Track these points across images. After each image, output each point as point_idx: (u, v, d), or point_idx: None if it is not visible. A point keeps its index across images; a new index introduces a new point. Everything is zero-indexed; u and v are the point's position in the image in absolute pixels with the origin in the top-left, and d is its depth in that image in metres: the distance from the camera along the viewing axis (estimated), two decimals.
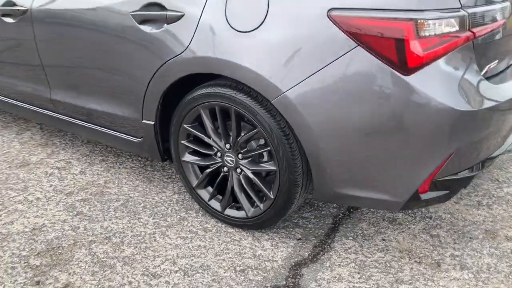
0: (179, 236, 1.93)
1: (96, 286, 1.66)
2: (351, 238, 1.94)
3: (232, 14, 1.63)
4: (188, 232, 1.96)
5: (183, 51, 1.75)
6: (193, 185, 2.02)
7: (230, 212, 1.95)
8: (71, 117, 2.38)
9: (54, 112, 2.45)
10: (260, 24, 1.57)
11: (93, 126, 2.29)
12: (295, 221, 2.05)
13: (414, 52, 1.39)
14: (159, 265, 1.77)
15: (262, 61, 1.59)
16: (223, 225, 2.00)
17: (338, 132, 1.55)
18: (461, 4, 1.42)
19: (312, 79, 1.51)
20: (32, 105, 2.55)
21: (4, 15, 2.33)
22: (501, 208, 2.15)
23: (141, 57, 1.89)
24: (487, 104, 1.51)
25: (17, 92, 2.59)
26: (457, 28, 1.42)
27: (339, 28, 1.45)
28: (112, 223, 2.02)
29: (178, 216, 2.07)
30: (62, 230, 1.97)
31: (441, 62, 1.43)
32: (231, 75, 1.67)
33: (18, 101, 2.63)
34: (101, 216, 2.07)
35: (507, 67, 1.87)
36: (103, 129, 2.26)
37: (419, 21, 1.38)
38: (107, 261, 1.79)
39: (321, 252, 1.85)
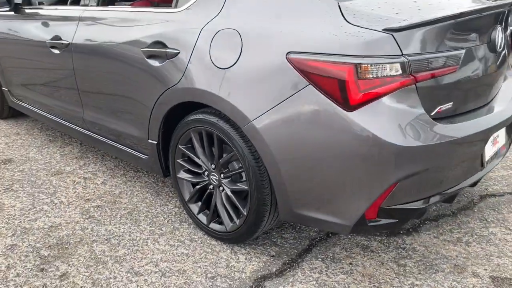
0: (168, 244, 2.19)
1: (87, 277, 1.95)
2: (321, 259, 2.09)
3: (214, 53, 1.92)
4: (177, 241, 2.22)
5: (177, 83, 2.05)
6: (186, 199, 2.29)
7: (213, 225, 2.19)
8: (98, 135, 2.76)
9: (86, 130, 2.85)
10: (235, 63, 1.84)
11: (113, 143, 2.65)
12: (274, 239, 2.24)
13: (354, 92, 1.59)
14: (143, 266, 2.03)
15: (236, 94, 1.84)
16: (208, 238, 2.24)
17: (294, 158, 1.75)
18: (401, 52, 1.60)
19: (273, 111, 1.74)
20: (70, 123, 2.98)
21: (52, 47, 2.80)
22: (479, 246, 2.19)
23: (147, 86, 2.22)
24: (428, 141, 1.65)
25: (61, 112, 3.03)
26: (397, 72, 1.60)
27: (295, 69, 1.68)
28: (115, 227, 2.33)
29: (172, 227, 2.34)
30: (73, 230, 2.31)
31: (381, 101, 1.60)
32: (213, 105, 1.94)
33: (62, 119, 3.07)
34: (108, 221, 2.38)
35: (479, 107, 1.99)
36: (120, 146, 2.60)
37: (359, 65, 1.57)
38: (101, 258, 2.08)
39: (288, 269, 2.02)
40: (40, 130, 3.71)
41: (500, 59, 2.04)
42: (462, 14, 1.75)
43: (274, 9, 1.83)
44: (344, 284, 1.93)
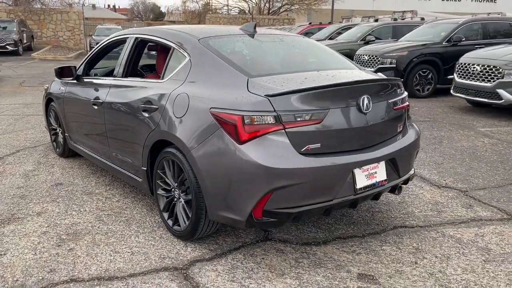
0: (144, 238, 3.16)
1: (85, 251, 2.96)
2: (242, 254, 2.94)
3: (175, 108, 2.97)
4: (150, 237, 3.18)
5: (155, 127, 3.12)
6: (161, 209, 3.27)
7: (175, 227, 3.13)
8: (117, 166, 3.87)
9: (110, 162, 3.98)
10: (185, 113, 2.88)
11: (124, 171, 3.73)
12: (218, 241, 3.12)
13: (242, 133, 2.54)
14: (122, 249, 3.00)
15: (184, 133, 2.85)
16: (172, 236, 3.18)
17: (213, 175, 2.69)
18: (274, 109, 2.55)
19: (202, 144, 2.73)
20: (102, 158, 4.14)
21: (94, 104, 4.03)
22: (366, 256, 2.92)
23: (141, 129, 3.30)
24: (291, 165, 2.53)
25: (98, 150, 4.21)
26: (270, 121, 2.54)
27: (213, 118, 2.67)
28: (114, 227, 3.34)
29: (151, 229, 3.31)
30: (86, 226, 3.35)
31: (260, 139, 2.54)
32: (172, 141, 2.96)
33: (98, 155, 4.24)
34: (110, 223, 3.41)
35: (352, 150, 2.81)
36: (128, 173, 3.68)
37: (244, 116, 2.54)
38: (97, 242, 3.09)
39: (217, 258, 2.90)
40: (87, 165, 4.93)
41: (370, 118, 2.87)
42: (326, 86, 2.68)
43: (208, 82, 2.89)
44: (249, 267, 2.76)
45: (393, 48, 9.99)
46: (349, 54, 11.47)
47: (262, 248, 3.02)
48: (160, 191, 3.27)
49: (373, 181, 2.90)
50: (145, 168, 3.36)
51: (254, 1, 33.31)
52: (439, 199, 3.94)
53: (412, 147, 3.20)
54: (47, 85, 5.44)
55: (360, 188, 2.82)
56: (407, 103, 3.36)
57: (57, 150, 5.29)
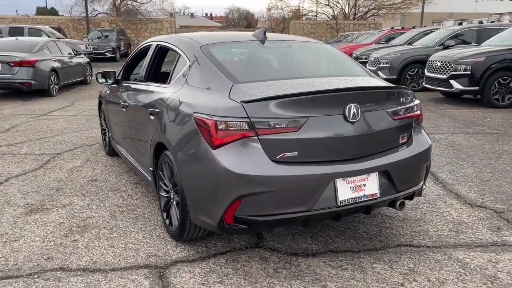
0: (143, 236, 3.30)
1: (86, 244, 3.18)
2: (225, 259, 2.94)
3: (169, 112, 3.08)
4: (148, 235, 3.31)
5: (157, 130, 3.26)
6: (161, 209, 3.39)
7: (170, 227, 3.23)
8: (138, 166, 4.09)
9: (134, 162, 4.21)
10: (175, 118, 2.97)
11: (142, 171, 3.93)
12: (209, 244, 3.16)
13: (215, 138, 2.56)
14: (118, 243, 3.17)
15: (173, 136, 2.95)
16: (168, 236, 3.28)
17: (192, 177, 2.75)
18: (247, 115, 2.53)
19: (186, 147, 2.80)
20: (129, 157, 4.39)
21: (123, 107, 4.30)
22: (351, 272, 2.77)
23: (149, 131, 3.46)
24: (262, 173, 2.49)
25: (126, 149, 4.48)
26: (243, 128, 2.52)
27: (195, 122, 2.73)
28: (121, 222, 3.54)
29: (153, 227, 3.45)
30: (97, 220, 3.59)
31: (232, 145, 2.54)
32: (166, 144, 3.07)
33: (126, 153, 4.50)
34: (120, 219, 3.61)
35: (334, 160, 2.69)
36: (144, 173, 3.87)
37: (218, 121, 2.56)
38: (100, 237, 3.29)
39: (199, 260, 2.94)
40: (126, 164, 5.26)
41: (360, 127, 2.72)
42: (304, 93, 2.60)
43: (199, 88, 2.96)
44: (226, 273, 2.76)
45: (469, 54, 9.26)
46: (425, 61, 10.84)
47: (248, 255, 3.01)
48: (161, 192, 3.40)
49: (360, 194, 2.75)
50: (152, 169, 3.51)
51: (340, 6, 32.80)
52: (465, 218, 3.59)
53: (415, 160, 2.98)
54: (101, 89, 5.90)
55: (344, 201, 2.69)
56: (418, 112, 3.13)
57: (105, 149, 5.71)
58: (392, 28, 19.13)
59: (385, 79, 12.01)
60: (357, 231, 3.37)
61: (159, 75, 4.33)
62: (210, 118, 2.61)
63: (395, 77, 11.87)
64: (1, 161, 5.40)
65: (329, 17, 32.54)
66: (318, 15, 34.01)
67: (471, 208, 3.82)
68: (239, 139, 2.55)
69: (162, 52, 4.07)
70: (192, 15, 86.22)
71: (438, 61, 9.74)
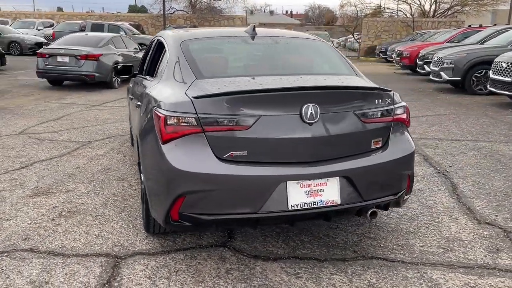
0: (122, 227, 3.38)
1: (71, 228, 3.32)
2: (184, 255, 2.92)
3: (143, 105, 3.11)
4: (127, 224, 3.38)
5: (138, 122, 3.31)
6: (142, 200, 3.45)
7: (142, 220, 3.28)
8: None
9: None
10: (144, 111, 3.00)
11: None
12: (177, 241, 3.15)
13: (164, 133, 2.54)
14: (100, 232, 3.28)
15: (139, 129, 2.98)
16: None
17: (146, 173, 2.77)
18: (195, 111, 2.48)
19: (144, 141, 2.82)
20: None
21: (130, 99, 4.43)
22: (303, 281, 2.62)
23: (135, 124, 3.54)
24: (205, 170, 2.43)
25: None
26: (190, 123, 2.48)
27: (154, 116, 2.72)
28: (110, 212, 3.66)
29: (135, 218, 3.52)
30: (88, 207, 3.74)
31: (178, 140, 2.50)
32: (138, 137, 3.12)
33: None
34: (112, 209, 3.73)
35: (286, 162, 2.55)
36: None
37: (167, 116, 2.53)
38: (86, 224, 3.43)
39: (160, 254, 2.94)
40: None
41: (319, 129, 2.55)
42: (255, 91, 2.50)
43: (167, 82, 2.96)
44: (177, 269, 2.75)
45: None
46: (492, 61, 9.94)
47: (208, 253, 2.96)
48: (142, 184, 3.46)
49: (317, 199, 2.58)
50: (138, 161, 3.58)
51: (418, 3, 31.07)
52: (463, 236, 3.25)
53: (388, 167, 2.74)
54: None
55: (296, 205, 2.55)
56: (401, 116, 2.88)
57: (131, 140, 5.94)
58: (470, 26, 17.81)
59: (448, 81, 11.38)
60: (334, 239, 3.18)
61: (154, 69, 4.40)
62: (161, 112, 2.60)
63: (459, 78, 11.06)
64: (38, 146, 5.81)
65: (406, 15, 31.02)
66: (395, 12, 32.56)
67: (478, 224, 3.44)
68: (186, 135, 2.51)
69: (159, 46, 4.13)
70: (272, 12, 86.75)
71: (504, 62, 8.90)
